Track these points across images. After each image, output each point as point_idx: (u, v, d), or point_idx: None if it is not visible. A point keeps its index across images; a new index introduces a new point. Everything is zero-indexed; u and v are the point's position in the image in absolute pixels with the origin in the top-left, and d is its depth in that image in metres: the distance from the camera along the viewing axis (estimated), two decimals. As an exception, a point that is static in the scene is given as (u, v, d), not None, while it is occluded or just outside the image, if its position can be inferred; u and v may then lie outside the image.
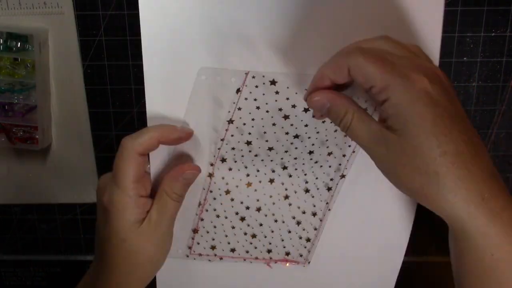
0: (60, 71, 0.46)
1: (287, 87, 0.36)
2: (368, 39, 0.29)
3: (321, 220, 0.41)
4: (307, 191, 0.40)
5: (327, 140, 0.38)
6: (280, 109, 0.36)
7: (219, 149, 0.38)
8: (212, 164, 0.38)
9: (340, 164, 0.39)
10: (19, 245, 0.53)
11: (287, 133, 0.37)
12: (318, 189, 0.40)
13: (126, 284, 0.35)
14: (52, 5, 0.44)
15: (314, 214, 0.41)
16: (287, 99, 0.36)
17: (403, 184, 0.28)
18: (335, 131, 0.38)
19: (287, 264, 0.42)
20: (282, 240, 0.41)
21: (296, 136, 0.38)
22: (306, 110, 0.37)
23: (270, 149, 0.38)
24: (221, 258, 0.42)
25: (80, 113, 0.47)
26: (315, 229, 0.41)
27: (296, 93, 0.36)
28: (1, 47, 0.43)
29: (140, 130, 0.34)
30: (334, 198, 0.40)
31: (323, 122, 0.37)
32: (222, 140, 0.38)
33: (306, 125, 0.37)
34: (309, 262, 0.43)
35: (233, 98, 0.36)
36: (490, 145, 0.48)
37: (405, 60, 0.27)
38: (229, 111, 0.37)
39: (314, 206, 0.41)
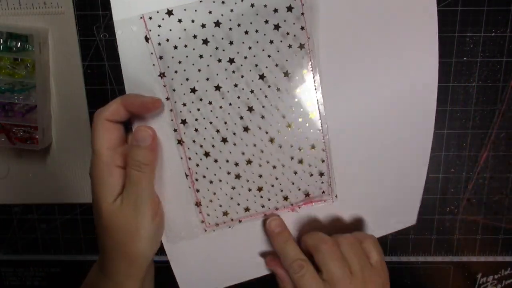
0: (60, 71, 0.46)
1: (184, 10, 0.34)
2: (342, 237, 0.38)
3: (324, 150, 0.38)
4: (289, 126, 0.37)
5: (286, 60, 0.35)
6: (195, 36, 0.35)
7: (171, 110, 0.36)
8: (175, 130, 0.37)
9: (314, 81, 0.36)
10: (19, 245, 0.53)
11: (230, 61, 0.35)
12: (301, 120, 0.37)
13: (115, 260, 0.36)
14: (52, 5, 0.44)
15: (312, 147, 0.38)
16: (200, 24, 0.34)
17: None
18: (289, 46, 0.35)
19: (313, 205, 0.40)
20: (293, 183, 0.39)
21: (231, 61, 0.35)
22: (237, 25, 0.34)
23: (222, 91, 0.36)
24: (240, 221, 0.40)
25: (80, 113, 0.47)
26: (323, 161, 0.39)
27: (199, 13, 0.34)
28: (1, 47, 0.43)
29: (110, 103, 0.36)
30: (327, 122, 0.37)
31: (264, 35, 0.35)
32: (168, 99, 0.36)
33: (245, 43, 0.35)
34: (336, 196, 0.40)
35: (147, 48, 0.35)
36: (490, 145, 0.48)
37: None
38: (154, 64, 0.35)
39: (307, 138, 0.38)
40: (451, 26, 0.45)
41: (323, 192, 0.39)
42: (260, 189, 0.39)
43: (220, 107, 0.37)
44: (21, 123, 0.45)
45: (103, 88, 0.47)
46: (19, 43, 0.43)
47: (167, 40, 0.35)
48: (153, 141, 0.35)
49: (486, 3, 0.44)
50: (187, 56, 0.35)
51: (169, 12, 0.34)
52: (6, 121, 0.45)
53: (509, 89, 0.46)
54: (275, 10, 0.34)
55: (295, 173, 0.39)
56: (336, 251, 0.36)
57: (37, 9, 0.44)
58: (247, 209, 0.39)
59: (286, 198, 0.39)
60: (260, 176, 0.39)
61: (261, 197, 0.39)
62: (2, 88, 0.44)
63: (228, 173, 0.38)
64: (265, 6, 0.34)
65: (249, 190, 0.39)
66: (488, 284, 0.52)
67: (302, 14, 0.34)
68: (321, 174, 0.39)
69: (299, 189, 0.39)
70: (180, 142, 0.37)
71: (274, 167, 0.38)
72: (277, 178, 0.39)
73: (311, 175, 0.39)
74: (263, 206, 0.40)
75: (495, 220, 0.50)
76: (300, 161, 0.38)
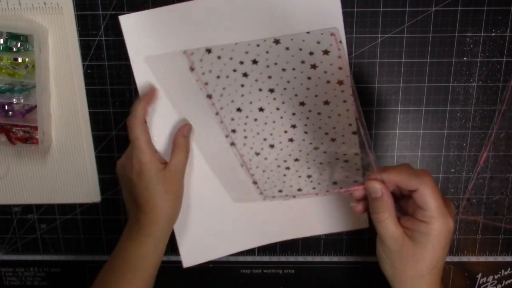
0: (60, 71, 0.46)
1: (222, 49, 0.38)
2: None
3: (368, 155, 0.40)
4: (332, 140, 0.41)
5: (326, 93, 0.39)
6: (235, 70, 0.39)
7: (221, 122, 0.42)
8: (227, 136, 0.43)
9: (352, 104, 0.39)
10: (19, 245, 0.53)
11: (270, 91, 0.40)
12: (343, 135, 0.40)
13: (148, 215, 0.43)
14: (52, 5, 0.44)
15: (356, 154, 0.41)
16: (238, 61, 0.39)
17: (393, 269, 0.39)
18: (327, 82, 0.38)
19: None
20: (340, 173, 0.42)
21: (271, 90, 0.40)
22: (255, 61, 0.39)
23: (265, 112, 0.41)
24: (294, 197, 0.45)
25: (80, 113, 0.47)
26: (368, 164, 0.40)
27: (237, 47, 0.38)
28: (1, 47, 0.43)
29: (133, 108, 0.43)
30: (368, 140, 0.39)
31: (302, 72, 0.38)
32: (217, 113, 0.41)
33: (283, 78, 0.39)
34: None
35: (191, 76, 0.39)
36: (490, 145, 0.48)
37: (448, 204, 0.37)
38: (200, 88, 0.40)
39: (353, 147, 0.41)
40: (451, 26, 0.45)
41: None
42: (309, 176, 0.44)
43: (265, 123, 0.42)
44: (21, 123, 0.45)
45: (103, 88, 0.47)
46: (19, 43, 0.43)
47: (210, 71, 0.39)
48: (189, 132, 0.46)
49: (486, 3, 0.44)
50: (229, 84, 0.40)
51: (208, 50, 0.39)
52: (6, 121, 0.45)
53: (509, 89, 0.46)
54: (311, 53, 0.37)
55: (342, 167, 0.42)
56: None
57: (37, 9, 0.44)
58: (299, 189, 0.44)
59: (335, 183, 0.43)
60: (309, 168, 0.43)
61: (311, 181, 0.44)
62: (2, 88, 0.44)
63: (278, 166, 0.43)
64: (300, 49, 0.37)
65: (299, 177, 0.44)
66: (488, 284, 0.52)
67: (339, 57, 0.36)
68: (367, 169, 0.41)
69: (347, 177, 0.42)
70: (233, 144, 0.43)
71: (321, 163, 0.42)
72: (324, 170, 0.43)
73: (358, 170, 0.41)
74: (314, 188, 0.44)
75: (495, 220, 0.50)
76: (346, 161, 0.42)
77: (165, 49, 0.42)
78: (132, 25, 0.42)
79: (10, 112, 0.45)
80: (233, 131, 0.42)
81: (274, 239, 0.49)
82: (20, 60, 0.44)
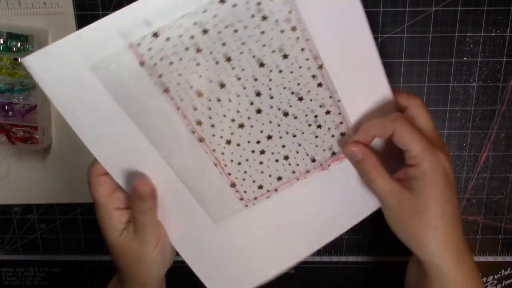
0: (60, 71, 0.46)
1: (169, 28, 0.35)
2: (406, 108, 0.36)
3: (340, 113, 0.38)
4: (300, 99, 0.38)
5: (282, 44, 0.36)
6: (187, 48, 0.36)
7: (184, 117, 0.38)
8: (193, 132, 0.39)
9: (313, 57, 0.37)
10: (19, 245, 0.53)
11: (227, 60, 0.36)
12: (310, 91, 0.38)
13: (128, 280, 0.40)
14: (52, 5, 0.44)
15: (327, 112, 0.38)
16: (189, 37, 0.35)
17: (404, 230, 0.36)
18: (282, 31, 0.36)
19: (342, 161, 0.40)
20: (316, 146, 0.40)
21: (228, 59, 0.36)
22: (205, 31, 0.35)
23: (227, 87, 0.37)
24: (276, 190, 0.41)
25: (80, 113, 0.47)
26: (341, 122, 0.39)
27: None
28: (1, 47, 0.43)
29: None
30: (336, 88, 0.38)
31: (254, 28, 0.35)
32: (179, 109, 0.37)
33: (237, 41, 0.36)
34: None
35: (142, 73, 0.36)
36: (490, 145, 0.48)
37: (433, 139, 0.35)
38: (155, 84, 0.36)
39: (321, 106, 0.38)
40: (451, 26, 0.45)
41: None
42: (286, 157, 0.40)
43: (229, 100, 0.38)
44: (21, 123, 0.45)
45: (103, 88, 0.47)
46: (19, 43, 0.43)
47: (161, 59, 0.36)
48: (152, 192, 0.38)
49: (486, 3, 0.44)
50: (184, 68, 0.36)
51: (155, 34, 0.35)
52: (6, 121, 0.45)
53: (509, 89, 0.46)
54: (258, 3, 0.35)
55: (316, 137, 0.39)
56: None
57: (37, 9, 0.44)
58: (279, 178, 0.41)
59: (313, 160, 0.40)
60: (283, 146, 0.40)
61: (289, 164, 0.40)
62: (2, 88, 0.44)
63: (253, 151, 0.40)
64: (247, 2, 0.35)
65: (276, 161, 0.40)
66: (488, 284, 0.52)
67: None
68: (343, 134, 0.39)
69: (324, 150, 0.40)
70: (201, 140, 0.39)
71: (294, 135, 0.39)
72: (300, 145, 0.40)
73: (333, 136, 0.40)
74: (294, 172, 0.41)
75: (495, 220, 0.50)
76: (319, 126, 0.39)
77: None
78: (41, 65, 0.36)
79: (10, 112, 0.45)
80: (199, 123, 0.38)
81: (296, 259, 0.45)
82: (20, 60, 0.44)
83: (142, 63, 0.35)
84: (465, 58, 0.46)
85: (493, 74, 0.46)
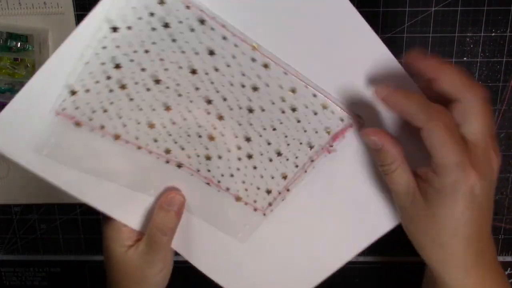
0: (60, 71, 0.46)
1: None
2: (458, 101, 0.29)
3: (307, 87, 0.34)
4: (255, 89, 0.34)
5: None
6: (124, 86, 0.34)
7: (149, 151, 0.36)
8: (168, 161, 0.37)
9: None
10: (19, 245, 0.53)
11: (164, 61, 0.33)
12: (269, 77, 0.34)
13: None
14: (52, 5, 0.44)
15: (293, 91, 0.34)
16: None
17: (412, 232, 0.32)
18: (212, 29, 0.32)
19: (345, 135, 0.35)
20: (305, 130, 0.35)
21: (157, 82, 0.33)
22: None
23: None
24: (288, 190, 0.37)
25: (80, 113, 0.47)
26: (315, 95, 0.34)
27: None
28: (1, 47, 0.43)
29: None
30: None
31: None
32: (139, 148, 0.35)
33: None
34: (360, 116, 0.35)
35: (83, 132, 0.34)
36: (490, 145, 0.48)
37: (479, 151, 0.29)
38: (101, 136, 0.34)
39: (279, 83, 0.34)
40: (451, 26, 0.45)
41: (342, 120, 0.35)
42: (279, 153, 0.36)
43: (184, 119, 0.35)
44: (21, 123, 0.45)
45: (103, 88, 0.47)
46: (19, 43, 0.43)
47: (93, 111, 0.34)
48: (181, 208, 0.36)
49: (486, 3, 0.44)
50: (120, 109, 0.34)
51: (72, 92, 0.33)
52: (6, 121, 0.45)
53: (509, 89, 0.46)
54: (151, 14, 0.32)
55: (299, 121, 0.35)
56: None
57: (37, 9, 0.44)
58: (285, 177, 0.37)
59: (311, 146, 0.36)
60: (269, 143, 0.36)
61: (287, 159, 0.36)
62: (2, 88, 0.44)
63: (239, 159, 0.37)
64: (140, 18, 0.32)
65: (270, 160, 0.37)
66: (488, 284, 0.52)
67: None
68: (325, 107, 0.35)
69: (316, 131, 0.35)
70: (179, 165, 0.36)
71: (274, 128, 0.35)
72: (286, 135, 0.36)
73: (316, 113, 0.35)
74: (297, 166, 0.36)
75: (495, 220, 0.50)
76: (293, 109, 0.35)
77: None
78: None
79: (10, 112, 0.45)
80: (167, 151, 0.35)
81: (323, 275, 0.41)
82: (20, 60, 0.44)
83: (77, 124, 0.33)
84: (465, 58, 0.46)
85: (493, 74, 0.46)
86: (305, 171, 0.37)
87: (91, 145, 0.34)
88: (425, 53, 0.30)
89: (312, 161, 0.36)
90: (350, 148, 0.36)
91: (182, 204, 0.36)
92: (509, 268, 0.52)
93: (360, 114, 0.35)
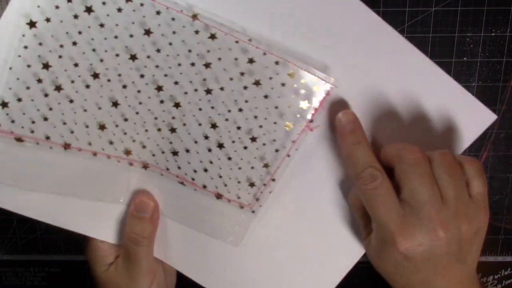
0: (60, 71, 0.46)
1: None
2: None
3: (265, 54, 0.30)
4: (209, 92, 0.31)
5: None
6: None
7: (108, 156, 0.34)
8: (131, 164, 0.34)
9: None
10: (19, 245, 0.53)
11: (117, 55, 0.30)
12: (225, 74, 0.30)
13: None
14: (52, 5, 0.44)
15: (242, 74, 0.31)
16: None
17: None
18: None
19: (324, 104, 0.33)
20: (276, 107, 0.32)
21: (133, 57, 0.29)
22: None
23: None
24: (273, 179, 0.33)
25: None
26: (276, 63, 0.31)
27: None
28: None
29: None
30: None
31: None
32: (95, 154, 0.32)
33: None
34: (335, 83, 0.32)
35: (28, 148, 0.31)
36: (490, 145, 0.48)
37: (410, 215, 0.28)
38: (52, 147, 0.31)
39: (220, 54, 0.30)
40: (451, 26, 0.45)
41: (316, 87, 0.31)
42: (253, 139, 0.32)
43: (129, 119, 0.32)
44: (21, 123, 0.45)
45: (103, 88, 0.47)
46: (19, 43, 0.43)
47: (33, 122, 0.31)
48: (154, 213, 0.32)
49: (486, 3, 0.44)
50: (63, 114, 0.31)
51: (3, 104, 0.30)
52: (6, 121, 0.45)
53: (509, 89, 0.46)
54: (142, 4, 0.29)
55: (266, 96, 0.31)
56: (425, 166, 0.28)
57: (37, 9, 0.44)
58: (266, 165, 0.33)
59: (289, 126, 0.32)
60: (239, 127, 0.32)
61: (264, 144, 0.32)
62: (2, 88, 0.44)
63: (209, 150, 0.32)
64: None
65: (245, 148, 0.32)
66: (488, 284, 0.52)
67: None
68: (292, 76, 0.31)
69: (289, 106, 0.31)
70: (145, 166, 0.33)
71: (240, 109, 0.31)
72: (255, 117, 0.32)
73: (283, 84, 0.31)
74: (277, 150, 0.32)
75: (495, 220, 0.50)
76: (257, 83, 0.31)
77: None
78: None
79: (10, 112, 0.45)
80: (128, 152, 0.32)
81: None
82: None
83: (19, 139, 0.31)
84: (465, 58, 0.46)
85: (493, 74, 0.46)
86: (288, 155, 0.32)
87: (40, 160, 0.31)
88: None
89: (293, 142, 0.32)
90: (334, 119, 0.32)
91: (154, 209, 0.32)
92: (509, 268, 0.52)
93: (335, 78, 0.31)
